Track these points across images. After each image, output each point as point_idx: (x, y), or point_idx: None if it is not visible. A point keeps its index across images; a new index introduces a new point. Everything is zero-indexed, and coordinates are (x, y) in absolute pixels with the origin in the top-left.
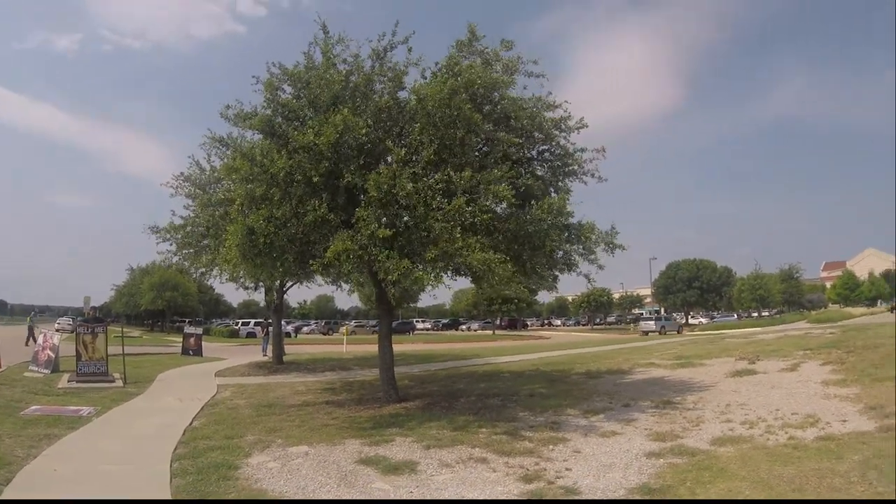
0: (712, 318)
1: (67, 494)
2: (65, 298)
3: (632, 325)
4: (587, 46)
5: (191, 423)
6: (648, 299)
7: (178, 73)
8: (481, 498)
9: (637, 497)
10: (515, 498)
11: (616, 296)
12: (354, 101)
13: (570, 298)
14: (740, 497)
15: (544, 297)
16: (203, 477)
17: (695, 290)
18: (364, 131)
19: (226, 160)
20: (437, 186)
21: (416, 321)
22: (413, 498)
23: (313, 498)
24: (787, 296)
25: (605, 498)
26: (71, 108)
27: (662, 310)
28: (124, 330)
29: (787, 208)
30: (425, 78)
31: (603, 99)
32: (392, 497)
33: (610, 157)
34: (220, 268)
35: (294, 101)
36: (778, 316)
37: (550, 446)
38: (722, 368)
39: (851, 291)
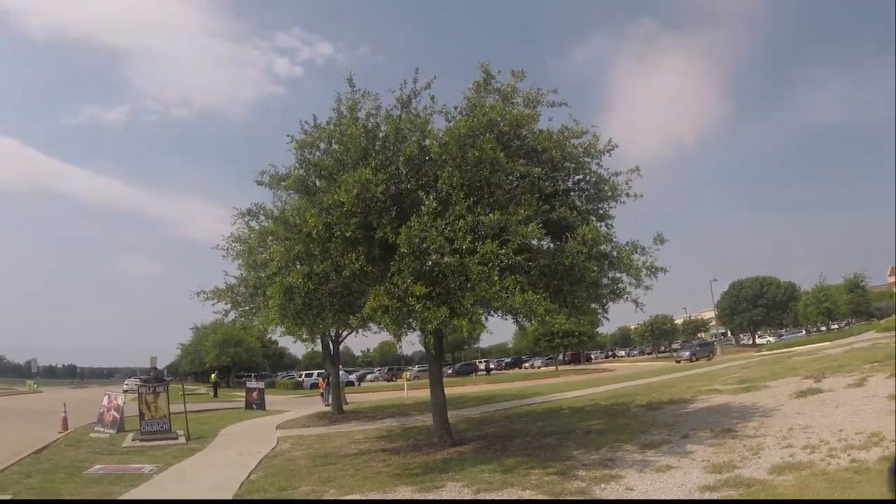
0: (780, 335)
1: None
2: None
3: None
4: (623, 73)
5: (248, 477)
6: (713, 322)
7: (225, 136)
8: None
9: None
10: None
11: (679, 321)
12: (385, 153)
13: (632, 328)
14: None
15: (608, 328)
16: None
17: (760, 308)
18: (381, 189)
19: (261, 225)
20: (467, 229)
21: (479, 362)
22: None
23: None
24: (854, 306)
25: None
26: (126, 178)
27: (729, 332)
28: (189, 388)
29: (839, 217)
30: (450, 122)
31: (644, 124)
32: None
33: (654, 181)
34: (262, 326)
35: (324, 159)
36: (846, 328)
37: (602, 485)
38: (786, 389)
39: None
